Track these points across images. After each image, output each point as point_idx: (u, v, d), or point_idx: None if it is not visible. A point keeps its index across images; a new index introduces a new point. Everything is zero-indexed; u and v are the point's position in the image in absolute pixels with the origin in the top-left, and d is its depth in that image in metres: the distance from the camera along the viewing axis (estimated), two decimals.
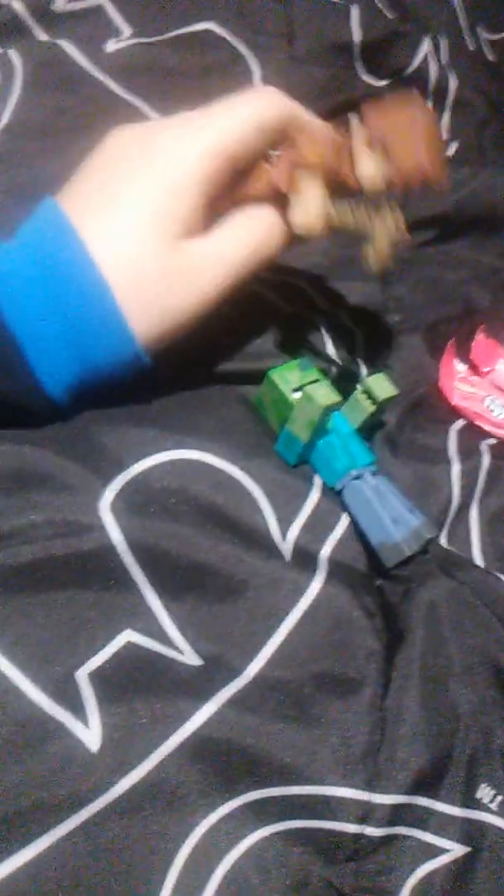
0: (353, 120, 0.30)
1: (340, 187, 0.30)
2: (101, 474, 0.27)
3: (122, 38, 0.42)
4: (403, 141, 0.29)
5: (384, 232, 0.30)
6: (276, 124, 0.29)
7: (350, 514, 0.31)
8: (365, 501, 0.30)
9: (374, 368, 0.32)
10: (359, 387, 0.31)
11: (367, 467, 0.31)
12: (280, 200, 0.30)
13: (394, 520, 0.30)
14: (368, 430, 0.33)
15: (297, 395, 0.31)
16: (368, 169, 0.29)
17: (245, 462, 0.29)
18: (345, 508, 0.31)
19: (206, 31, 0.43)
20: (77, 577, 0.25)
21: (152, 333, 0.28)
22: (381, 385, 0.31)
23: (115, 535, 0.26)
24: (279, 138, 0.30)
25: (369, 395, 0.31)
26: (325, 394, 0.30)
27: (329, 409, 0.30)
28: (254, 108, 0.29)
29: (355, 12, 0.46)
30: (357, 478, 0.31)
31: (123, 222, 0.27)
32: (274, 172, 0.30)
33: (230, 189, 0.30)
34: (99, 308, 0.27)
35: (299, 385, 0.31)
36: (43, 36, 0.42)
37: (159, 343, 0.29)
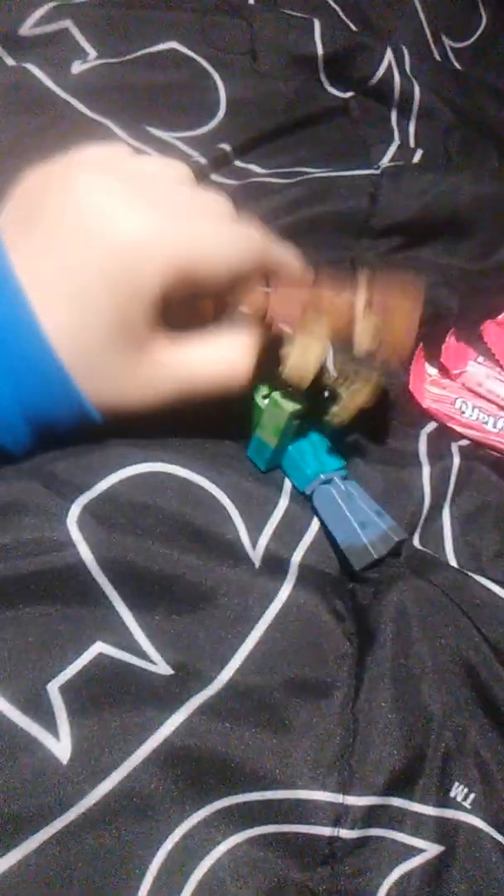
0: (360, 278, 0.30)
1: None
2: (67, 494, 0.27)
3: (88, 60, 0.43)
4: (401, 324, 0.30)
5: (357, 393, 0.31)
6: (250, 271, 0.29)
7: (319, 518, 0.31)
8: (333, 505, 0.30)
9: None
10: (326, 394, 0.32)
11: (336, 472, 0.31)
12: (262, 325, 0.30)
13: (362, 523, 0.30)
14: (338, 433, 0.34)
15: (267, 401, 0.31)
16: (367, 333, 0.30)
17: (213, 473, 0.29)
18: (314, 513, 0.31)
19: (171, 50, 0.44)
20: (46, 593, 0.25)
21: (104, 406, 0.28)
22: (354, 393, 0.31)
23: (84, 550, 0.26)
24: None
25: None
26: (289, 401, 0.30)
27: (295, 416, 0.30)
28: (233, 252, 0.28)
29: (318, 25, 0.47)
30: (326, 482, 0.31)
31: (82, 312, 0.26)
32: (278, 306, 0.29)
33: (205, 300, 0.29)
34: (51, 380, 0.27)
35: (269, 391, 0.31)
36: (10, 60, 0.42)
37: (114, 415, 0.28)
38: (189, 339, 0.29)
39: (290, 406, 0.30)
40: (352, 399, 0.31)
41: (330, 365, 0.33)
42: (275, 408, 0.30)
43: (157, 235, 0.26)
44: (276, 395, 0.31)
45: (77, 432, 0.28)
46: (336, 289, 0.30)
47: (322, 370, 0.30)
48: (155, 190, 0.27)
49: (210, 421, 0.31)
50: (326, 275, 0.31)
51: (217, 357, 0.29)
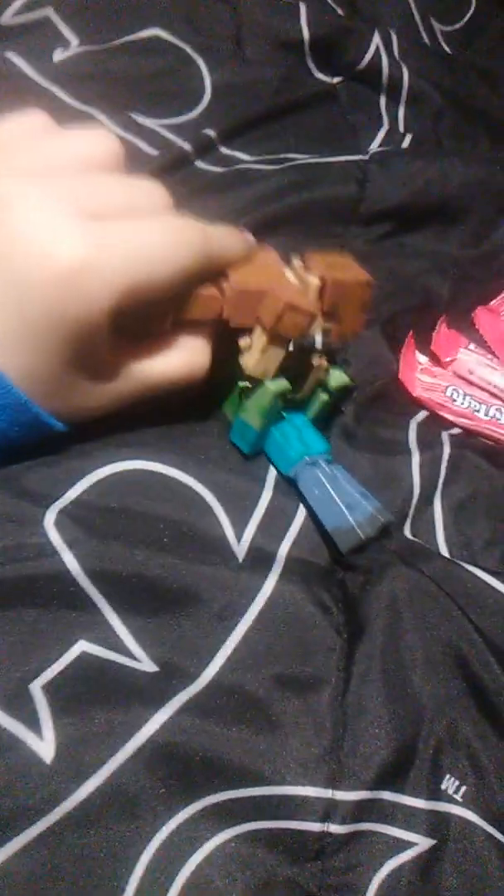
0: (296, 261, 0.31)
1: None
2: (41, 500, 0.27)
3: (70, 48, 0.42)
4: (353, 311, 0.31)
5: (314, 373, 0.31)
6: (199, 270, 0.27)
7: (304, 502, 0.30)
8: (319, 487, 0.30)
9: (332, 363, 0.32)
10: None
11: (321, 454, 0.31)
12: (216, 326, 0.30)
13: (348, 505, 0.29)
14: (324, 421, 0.33)
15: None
16: (320, 325, 0.30)
17: (193, 467, 0.29)
18: (301, 500, 0.31)
19: (154, 37, 0.43)
20: (28, 596, 0.25)
21: (68, 418, 0.28)
22: (333, 374, 0.31)
23: (64, 553, 0.26)
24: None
25: (323, 385, 0.31)
26: (275, 381, 0.30)
27: (279, 396, 0.30)
28: (177, 253, 0.26)
29: (304, 10, 0.46)
30: (311, 464, 0.30)
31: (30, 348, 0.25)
32: (232, 309, 0.29)
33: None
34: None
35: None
36: None
37: (78, 422, 0.28)
38: (146, 345, 0.28)
39: (275, 385, 0.30)
40: (311, 377, 0.31)
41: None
42: (258, 388, 0.30)
43: (95, 259, 0.24)
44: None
45: (42, 443, 0.28)
46: (287, 282, 0.30)
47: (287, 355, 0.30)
48: (84, 191, 0.25)
49: (176, 408, 0.31)
50: (270, 252, 0.31)
51: (175, 360, 0.29)
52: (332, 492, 0.30)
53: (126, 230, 0.25)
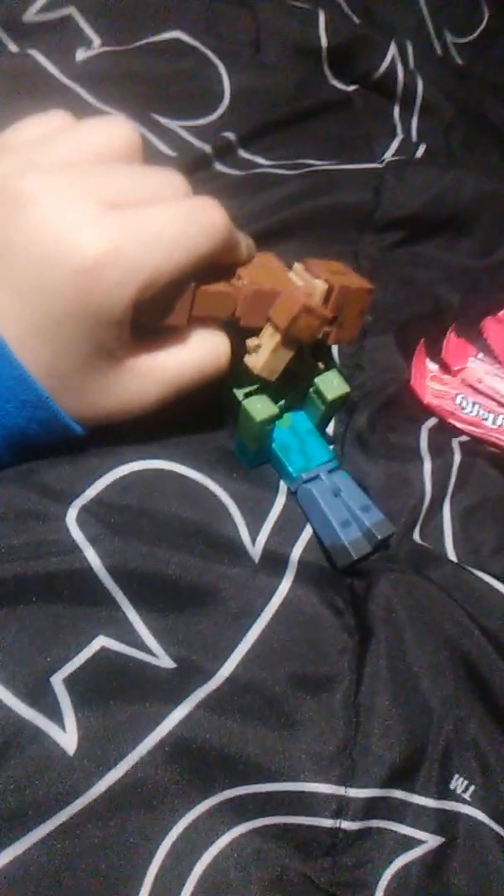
0: (298, 265, 0.31)
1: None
2: (63, 498, 0.27)
3: (93, 47, 0.43)
4: (353, 317, 0.31)
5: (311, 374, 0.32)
6: (222, 247, 0.27)
7: (305, 516, 0.31)
8: (315, 505, 0.30)
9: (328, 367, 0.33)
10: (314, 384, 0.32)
11: (323, 465, 0.31)
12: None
13: (344, 522, 0.30)
14: (329, 420, 0.34)
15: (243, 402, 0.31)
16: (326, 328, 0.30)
17: (210, 469, 0.30)
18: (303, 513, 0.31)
19: (175, 40, 0.44)
20: (49, 592, 0.26)
21: (88, 420, 0.28)
22: (329, 384, 0.31)
23: (86, 549, 0.26)
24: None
25: (319, 394, 0.31)
26: (261, 408, 0.30)
27: (268, 421, 0.30)
28: (198, 233, 0.26)
29: (322, 17, 0.47)
30: (311, 479, 0.31)
31: (51, 345, 0.25)
32: (245, 309, 0.29)
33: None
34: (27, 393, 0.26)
35: (251, 390, 0.31)
36: (13, 47, 0.42)
37: (97, 424, 0.28)
38: (164, 341, 0.28)
39: (260, 415, 0.30)
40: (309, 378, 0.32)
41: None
42: (246, 416, 0.30)
43: (115, 250, 0.24)
44: (247, 402, 0.30)
45: (60, 445, 0.28)
46: (296, 285, 0.30)
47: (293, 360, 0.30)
48: (102, 182, 0.25)
49: (195, 411, 0.31)
50: (272, 257, 0.32)
51: (196, 352, 0.29)
52: (327, 510, 0.30)
53: (144, 218, 0.25)
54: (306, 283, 0.30)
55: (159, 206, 0.26)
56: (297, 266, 0.31)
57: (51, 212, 0.24)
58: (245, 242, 0.30)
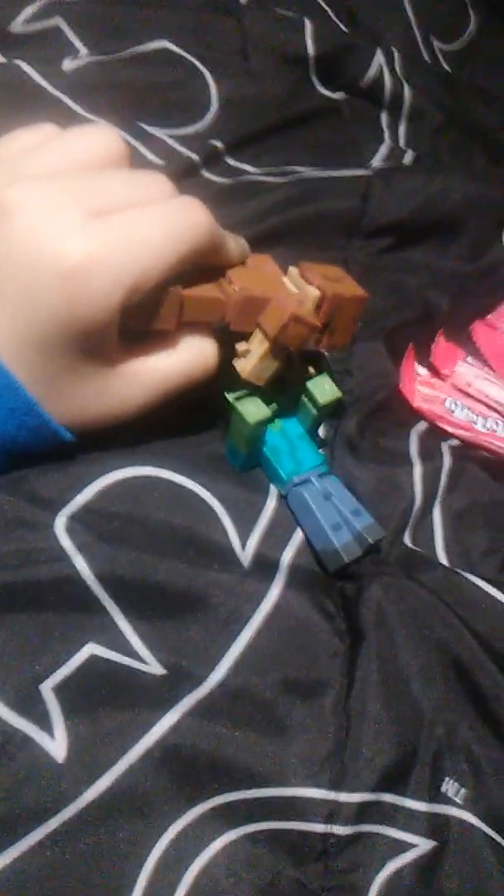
0: (293, 270, 0.31)
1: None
2: (51, 505, 0.27)
3: (80, 57, 0.43)
4: (345, 324, 0.31)
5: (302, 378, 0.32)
6: (207, 247, 0.27)
7: (296, 520, 0.31)
8: (306, 509, 0.30)
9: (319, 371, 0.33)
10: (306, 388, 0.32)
11: (313, 470, 0.31)
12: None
13: (335, 525, 0.30)
14: (320, 425, 0.34)
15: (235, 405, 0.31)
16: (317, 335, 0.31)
17: (199, 474, 0.30)
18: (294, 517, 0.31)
19: (162, 49, 0.44)
20: (39, 599, 0.26)
21: (77, 426, 0.28)
22: (321, 389, 0.31)
23: (75, 557, 0.26)
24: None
25: (311, 399, 0.31)
26: (254, 410, 0.30)
27: (261, 424, 0.30)
28: (181, 239, 0.26)
29: (309, 26, 0.47)
30: (300, 484, 0.31)
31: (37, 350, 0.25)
32: (235, 315, 0.29)
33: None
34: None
35: (241, 393, 0.31)
36: (0, 57, 0.42)
37: (86, 429, 0.28)
38: (153, 345, 0.29)
39: (253, 417, 0.30)
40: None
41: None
42: (239, 419, 0.30)
43: (100, 256, 0.24)
44: (240, 404, 0.30)
45: (50, 452, 0.28)
46: (288, 291, 0.30)
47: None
48: (88, 189, 0.26)
49: (184, 416, 0.31)
50: (268, 261, 0.32)
51: (184, 357, 0.29)
52: (318, 514, 0.30)
53: (129, 222, 0.25)
54: (300, 289, 0.30)
55: (144, 210, 0.26)
56: (293, 270, 0.31)
57: (37, 220, 0.25)
58: (237, 244, 0.30)
